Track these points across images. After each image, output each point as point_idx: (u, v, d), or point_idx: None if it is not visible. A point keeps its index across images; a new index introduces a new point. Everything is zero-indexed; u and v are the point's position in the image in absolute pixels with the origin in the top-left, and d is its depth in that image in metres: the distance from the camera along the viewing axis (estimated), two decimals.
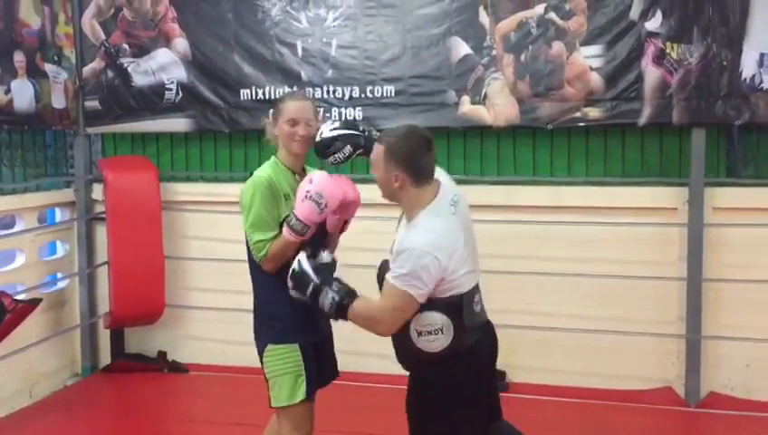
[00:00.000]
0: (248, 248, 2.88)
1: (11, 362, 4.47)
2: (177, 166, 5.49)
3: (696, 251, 4.60)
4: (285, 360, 2.82)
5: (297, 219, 2.69)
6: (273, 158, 2.95)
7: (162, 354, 5.41)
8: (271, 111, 2.97)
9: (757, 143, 4.67)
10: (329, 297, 2.53)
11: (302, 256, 2.63)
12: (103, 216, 5.23)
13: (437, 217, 2.51)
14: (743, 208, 4.58)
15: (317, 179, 2.71)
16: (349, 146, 2.88)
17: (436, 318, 2.47)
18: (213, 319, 5.34)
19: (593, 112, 4.61)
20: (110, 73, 5.28)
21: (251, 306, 4.89)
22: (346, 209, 2.88)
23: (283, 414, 2.86)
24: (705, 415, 4.55)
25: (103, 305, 5.40)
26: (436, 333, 2.48)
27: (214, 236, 5.29)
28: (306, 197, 2.68)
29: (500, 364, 4.79)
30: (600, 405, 4.60)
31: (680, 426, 4.49)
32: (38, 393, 4.90)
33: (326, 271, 2.59)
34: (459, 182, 4.86)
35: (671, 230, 4.72)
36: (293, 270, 2.62)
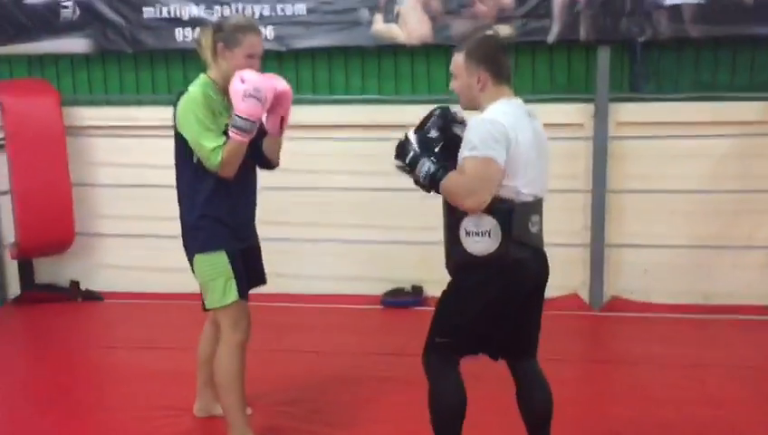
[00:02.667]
0: (178, 164, 2.92)
1: None
2: (79, 89, 5.26)
3: (601, 164, 4.81)
4: (214, 265, 2.92)
5: (242, 118, 2.73)
6: (203, 76, 2.91)
7: (75, 284, 5.31)
8: (219, 33, 2.85)
9: (658, 60, 4.84)
10: (425, 168, 2.55)
11: (410, 130, 2.65)
12: (2, 142, 4.99)
13: (510, 107, 2.54)
14: (644, 123, 4.80)
15: (248, 77, 2.74)
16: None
17: (486, 220, 2.47)
18: (125, 246, 5.27)
19: (504, 30, 4.66)
20: None
21: (164, 232, 4.89)
22: (280, 102, 2.89)
23: (220, 315, 2.99)
24: (608, 318, 4.87)
25: (9, 235, 5.21)
26: (483, 235, 2.48)
27: (123, 162, 5.16)
28: (245, 95, 2.71)
29: (417, 280, 5.03)
30: None
31: (586, 329, 4.79)
32: None
33: (429, 144, 2.59)
34: (374, 102, 4.96)
35: (578, 144, 4.90)
36: (400, 140, 2.66)
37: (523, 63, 4.90)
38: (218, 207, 2.89)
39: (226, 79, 2.84)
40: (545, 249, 2.69)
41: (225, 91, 2.87)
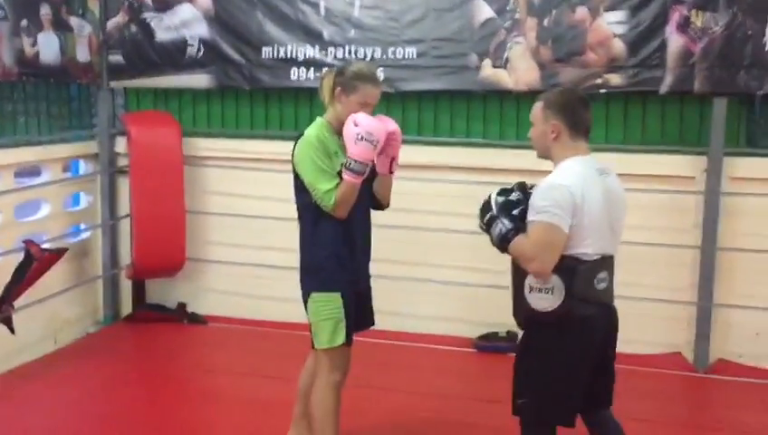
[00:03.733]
0: (299, 204, 3.06)
1: (36, 310, 4.60)
2: (198, 122, 5.54)
3: (712, 219, 4.63)
4: (328, 306, 3.01)
5: (355, 161, 2.86)
6: (320, 119, 3.07)
7: (182, 306, 5.54)
8: (340, 77, 2.99)
9: None
10: (498, 228, 2.62)
11: (494, 192, 2.73)
12: (126, 169, 5.33)
13: (580, 165, 2.57)
14: (760, 178, 4.59)
15: (361, 120, 2.87)
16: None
17: (551, 277, 2.51)
18: (231, 273, 5.46)
19: (615, 79, 4.60)
20: (134, 28, 5.31)
21: (268, 261, 5.07)
22: (390, 143, 3.00)
23: (324, 355, 3.08)
24: (712, 381, 4.63)
25: (125, 257, 5.52)
26: (546, 292, 2.52)
27: (234, 192, 5.37)
28: (358, 138, 2.84)
29: (512, 325, 4.97)
30: None
31: (687, 391, 4.57)
32: (62, 340, 5.05)
33: (508, 206, 2.65)
34: (479, 146, 4.98)
35: (688, 198, 4.74)
36: (484, 200, 2.73)
37: (633, 113, 4.81)
38: (340, 249, 3.00)
39: (340, 121, 2.97)
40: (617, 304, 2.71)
41: (339, 133, 2.99)
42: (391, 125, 3.01)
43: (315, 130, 3.01)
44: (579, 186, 2.48)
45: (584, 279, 2.52)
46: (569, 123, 2.59)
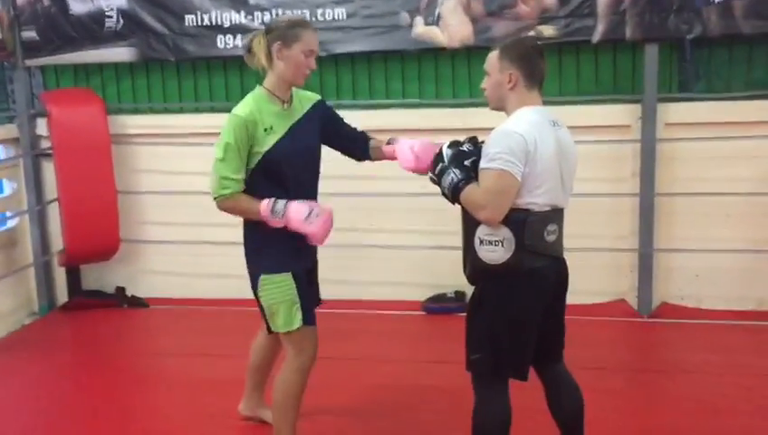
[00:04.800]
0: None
1: None
2: (123, 97, 5.32)
3: (649, 166, 4.68)
4: (279, 289, 2.83)
5: (284, 210, 2.72)
6: (257, 89, 2.83)
7: (120, 290, 5.36)
8: (273, 33, 2.75)
9: (709, 58, 4.70)
10: (449, 178, 2.56)
11: (445, 144, 2.67)
12: (50, 151, 5.08)
13: (535, 114, 2.52)
14: (694, 123, 4.64)
15: (323, 221, 2.77)
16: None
17: (500, 229, 2.46)
18: (169, 252, 5.31)
19: (547, 30, 4.57)
20: (46, 1, 5.02)
21: (206, 238, 4.93)
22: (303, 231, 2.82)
23: (287, 339, 2.92)
24: (657, 325, 4.73)
25: (57, 243, 5.30)
26: (496, 244, 2.48)
27: (166, 169, 5.20)
28: (311, 214, 2.74)
29: (461, 286, 4.97)
30: None
31: (634, 336, 4.66)
32: None
33: (459, 157, 2.59)
34: (416, 106, 4.92)
35: (625, 147, 4.78)
36: (436, 153, 2.69)
37: (568, 64, 4.80)
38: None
39: (286, 81, 2.78)
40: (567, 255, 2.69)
41: (284, 98, 2.81)
42: (319, 237, 2.81)
43: (249, 105, 2.76)
44: (532, 134, 2.44)
45: (534, 231, 2.49)
46: (525, 72, 2.54)
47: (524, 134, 2.43)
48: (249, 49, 2.83)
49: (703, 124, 4.62)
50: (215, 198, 2.79)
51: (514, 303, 2.52)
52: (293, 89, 2.88)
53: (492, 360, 2.55)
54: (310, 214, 2.73)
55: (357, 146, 3.12)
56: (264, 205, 2.72)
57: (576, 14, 4.52)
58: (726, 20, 4.39)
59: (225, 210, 2.82)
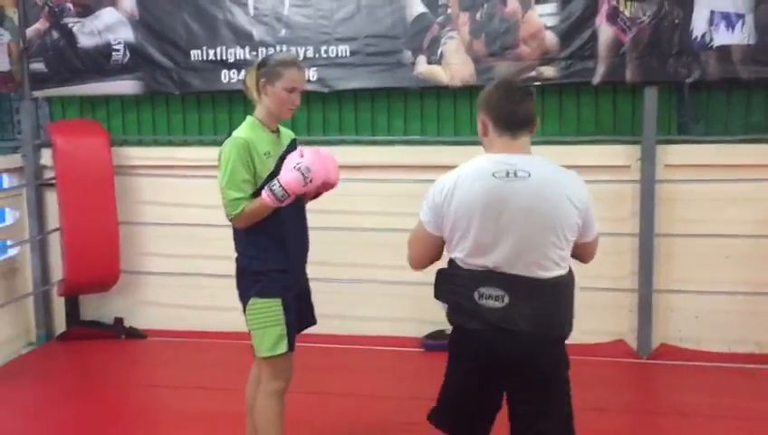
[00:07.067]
0: None
1: None
2: (128, 130, 5.37)
3: (648, 207, 4.70)
4: (267, 313, 2.91)
5: (280, 186, 2.79)
6: (249, 118, 2.97)
7: (119, 321, 5.35)
8: (262, 69, 2.92)
9: (707, 101, 4.75)
10: None
11: None
12: (53, 181, 5.11)
13: (481, 163, 2.36)
14: (693, 165, 4.68)
15: (308, 155, 2.82)
16: None
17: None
18: (169, 284, 5.30)
19: (548, 71, 4.63)
20: (55, 34, 5.10)
21: (207, 270, 4.94)
22: (323, 187, 2.99)
23: (265, 363, 2.97)
24: (656, 366, 4.70)
25: (57, 273, 5.30)
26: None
27: (168, 201, 5.22)
28: (295, 167, 2.78)
29: None
30: None
31: (633, 377, 4.63)
32: None
33: None
34: (418, 144, 4.96)
35: (624, 187, 4.80)
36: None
37: (568, 105, 4.85)
38: (276, 253, 2.91)
39: (272, 114, 2.93)
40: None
41: (272, 128, 2.95)
42: (333, 176, 2.97)
43: (245, 131, 2.92)
44: (450, 185, 2.33)
45: (458, 286, 2.35)
46: (492, 118, 2.40)
47: (441, 183, 2.37)
48: (245, 82, 3.02)
49: (702, 166, 4.65)
50: (230, 220, 2.89)
51: (451, 356, 2.50)
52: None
53: (435, 407, 2.56)
54: (304, 177, 2.79)
55: None
56: (267, 197, 2.81)
57: (577, 55, 4.59)
58: (725, 64, 4.45)
59: (243, 224, 2.89)
